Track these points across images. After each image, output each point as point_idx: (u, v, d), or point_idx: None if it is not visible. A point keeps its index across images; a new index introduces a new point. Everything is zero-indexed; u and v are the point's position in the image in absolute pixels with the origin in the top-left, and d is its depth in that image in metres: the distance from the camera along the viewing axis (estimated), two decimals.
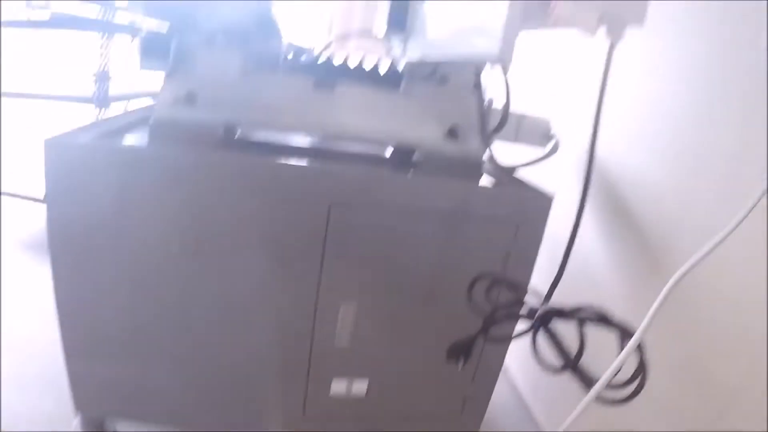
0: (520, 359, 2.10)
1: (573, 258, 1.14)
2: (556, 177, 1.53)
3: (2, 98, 2.97)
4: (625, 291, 1.49)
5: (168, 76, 1.26)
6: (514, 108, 1.43)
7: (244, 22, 1.15)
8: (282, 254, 1.28)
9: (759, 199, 0.80)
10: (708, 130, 1.23)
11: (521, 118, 1.47)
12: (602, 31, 0.93)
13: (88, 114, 2.82)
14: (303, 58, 1.40)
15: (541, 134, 1.48)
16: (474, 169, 1.38)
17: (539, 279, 1.37)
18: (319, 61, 1.40)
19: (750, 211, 0.81)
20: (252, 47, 1.28)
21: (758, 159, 1.06)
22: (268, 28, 1.24)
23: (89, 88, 2.82)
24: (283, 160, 1.27)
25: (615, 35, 0.95)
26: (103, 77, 2.71)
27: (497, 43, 0.84)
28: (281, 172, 1.23)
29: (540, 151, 1.47)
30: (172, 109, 1.25)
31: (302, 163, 1.28)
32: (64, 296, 1.26)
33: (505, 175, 1.53)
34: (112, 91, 2.82)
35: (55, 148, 1.16)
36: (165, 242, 1.23)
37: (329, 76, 1.36)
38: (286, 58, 1.39)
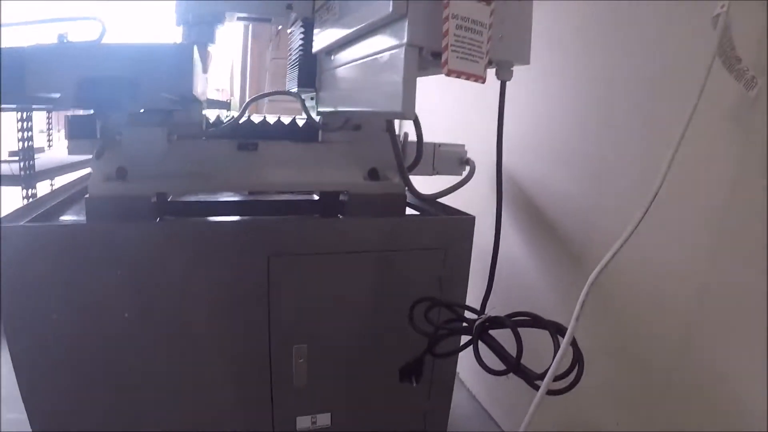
0: (472, 368, 2.17)
1: (503, 269, 1.24)
2: (475, 198, 1.62)
3: None
4: (552, 289, 1.60)
5: (97, 155, 1.30)
6: (427, 137, 1.52)
7: (165, 100, 1.20)
8: (230, 307, 1.34)
9: (655, 196, 0.89)
10: (608, 137, 1.35)
11: (436, 147, 1.56)
12: (492, 73, 1.04)
13: (15, 193, 2.80)
14: (224, 122, 1.46)
15: (456, 161, 1.57)
16: (398, 204, 1.47)
17: (476, 293, 1.46)
18: (240, 123, 1.47)
19: (647, 210, 0.90)
20: (174, 119, 1.34)
21: (655, 159, 1.16)
22: (188, 100, 1.29)
23: (11, 167, 2.80)
24: (218, 218, 1.33)
25: (504, 75, 1.06)
26: (27, 155, 2.69)
27: (399, 101, 0.93)
28: (217, 230, 1.31)
29: (457, 178, 1.55)
30: (104, 185, 1.29)
31: (236, 218, 1.34)
32: (23, 377, 1.28)
33: (428, 205, 1.63)
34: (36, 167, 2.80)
35: (7, 233, 1.19)
36: (116, 310, 1.27)
37: (251, 136, 1.43)
38: (208, 124, 1.44)
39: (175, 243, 1.28)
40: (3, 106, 1.13)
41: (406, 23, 0.92)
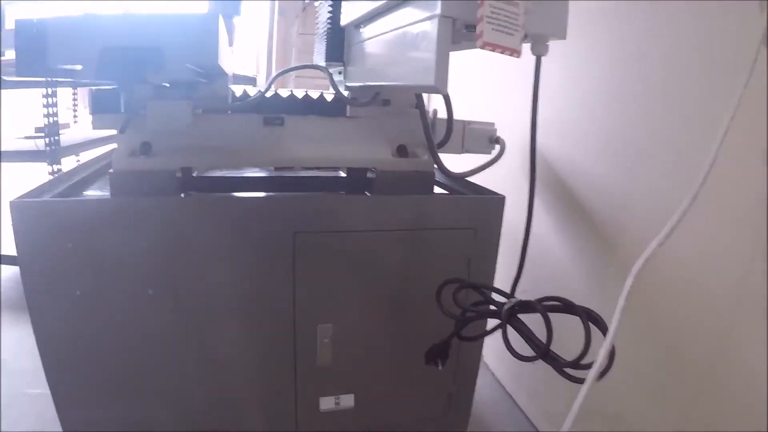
0: (497, 353, 2.15)
1: (533, 252, 1.21)
2: (506, 178, 1.59)
3: None
4: (582, 274, 1.57)
5: (121, 130, 1.28)
6: (457, 115, 1.48)
7: (190, 71, 1.18)
8: (254, 285, 1.32)
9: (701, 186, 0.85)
10: (644, 121, 1.31)
11: (466, 125, 1.52)
12: (527, 47, 1.00)
13: (41, 169, 2.82)
14: (251, 96, 1.44)
15: (486, 140, 1.54)
16: (426, 182, 1.43)
17: (504, 275, 1.43)
18: (266, 97, 1.44)
19: (693, 200, 0.86)
20: (199, 93, 1.32)
21: (694, 148, 1.13)
22: (213, 72, 1.27)
23: (37, 143, 2.81)
24: (243, 194, 1.32)
25: (540, 50, 1.03)
26: (52, 131, 2.69)
27: (432, 74, 0.90)
28: (243, 206, 1.29)
29: (487, 157, 1.52)
30: (128, 160, 1.27)
31: (262, 194, 1.32)
32: (47, 350, 1.28)
33: (457, 183, 1.59)
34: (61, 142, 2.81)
35: (21, 208, 1.18)
36: (140, 287, 1.26)
37: (278, 111, 1.40)
38: (234, 98, 1.42)
39: (201, 218, 1.26)
40: (25, 79, 1.11)
41: None
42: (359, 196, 1.40)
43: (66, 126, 3.54)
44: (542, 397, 1.85)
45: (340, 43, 1.47)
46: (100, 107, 1.31)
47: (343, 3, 1.37)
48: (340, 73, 1.50)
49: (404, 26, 1.03)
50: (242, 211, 1.28)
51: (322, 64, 1.50)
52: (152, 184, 1.27)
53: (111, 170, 1.27)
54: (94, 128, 1.34)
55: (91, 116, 1.32)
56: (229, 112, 1.39)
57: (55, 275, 1.22)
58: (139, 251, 1.24)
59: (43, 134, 2.73)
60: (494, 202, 1.41)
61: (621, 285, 0.85)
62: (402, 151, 1.43)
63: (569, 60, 1.52)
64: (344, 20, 1.37)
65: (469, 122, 1.53)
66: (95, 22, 1.10)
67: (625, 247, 1.38)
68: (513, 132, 1.54)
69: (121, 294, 1.26)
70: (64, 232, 1.20)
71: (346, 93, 1.46)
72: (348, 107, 1.45)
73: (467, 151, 1.54)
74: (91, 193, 1.47)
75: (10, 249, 2.90)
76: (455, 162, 1.46)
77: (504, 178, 1.57)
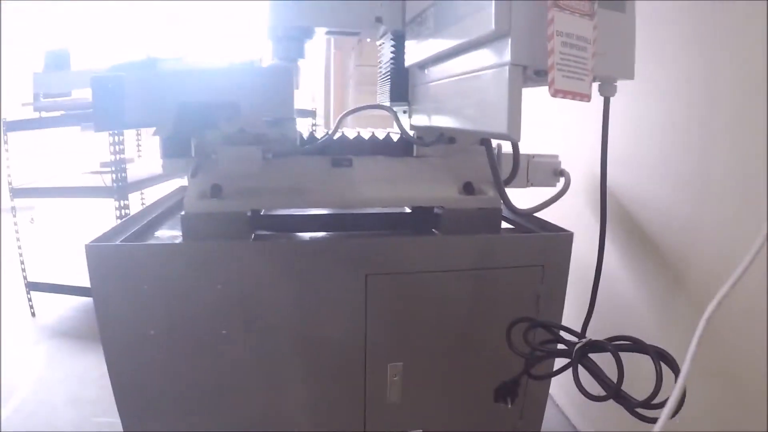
0: (563, 386, 2.12)
1: (600, 287, 1.20)
2: (571, 211, 1.58)
3: (14, 195, 3.06)
4: (650, 309, 1.54)
5: (193, 174, 1.32)
6: (521, 148, 1.48)
7: (265, 123, 1.20)
8: (326, 324, 1.34)
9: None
10: (709, 148, 1.29)
11: (530, 158, 1.52)
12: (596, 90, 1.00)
13: (107, 205, 2.90)
14: (317, 138, 1.46)
15: (551, 173, 1.53)
16: (493, 219, 1.44)
17: (570, 311, 1.43)
18: (334, 138, 1.47)
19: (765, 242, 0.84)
20: (269, 136, 1.34)
21: (761, 178, 1.11)
22: (284, 120, 1.30)
23: (103, 179, 2.88)
24: (315, 235, 1.35)
25: (608, 91, 1.03)
26: (118, 167, 2.75)
27: (504, 122, 0.91)
28: (315, 249, 1.31)
29: (551, 189, 1.52)
30: (199, 203, 1.31)
31: (334, 236, 1.34)
32: (119, 387, 1.31)
33: (524, 219, 1.59)
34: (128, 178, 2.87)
35: (97, 251, 1.22)
36: (212, 327, 1.29)
37: (345, 152, 1.43)
38: (302, 140, 1.44)
39: (272, 261, 1.28)
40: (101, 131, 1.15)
41: (509, 41, 0.90)
42: (429, 237, 1.41)
43: (131, 161, 3.62)
44: (607, 429, 1.82)
45: (404, 83, 1.49)
46: (171, 152, 1.34)
47: (406, 44, 1.39)
48: (405, 112, 1.52)
49: (473, 71, 1.04)
50: (314, 253, 1.30)
51: (387, 103, 1.51)
52: (223, 225, 1.31)
53: (182, 213, 1.30)
54: (164, 173, 1.37)
55: (161, 161, 1.35)
56: (299, 156, 1.41)
57: (129, 315, 1.26)
58: (212, 293, 1.26)
59: (109, 169, 2.79)
60: (562, 239, 1.40)
61: (690, 318, 0.84)
62: (468, 188, 1.43)
63: (633, 89, 1.51)
64: (408, 61, 1.38)
65: (533, 155, 1.53)
66: (172, 80, 1.13)
67: (691, 280, 1.36)
68: (576, 164, 1.54)
69: (193, 334, 1.29)
70: (138, 274, 1.23)
71: (411, 132, 1.48)
72: (414, 146, 1.47)
73: (532, 185, 1.53)
74: (163, 233, 1.51)
75: (76, 280, 2.99)
76: (518, 195, 1.46)
77: (568, 211, 1.57)
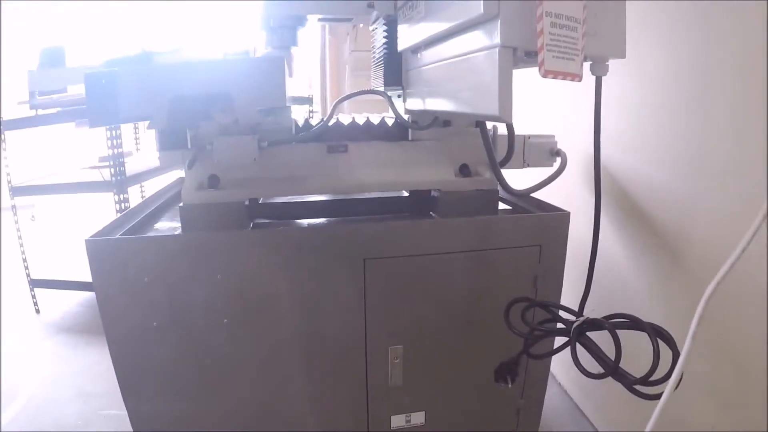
0: (563, 363, 2.12)
1: (597, 265, 1.21)
2: (567, 190, 1.58)
3: (14, 194, 3.07)
4: (647, 288, 1.55)
5: (189, 165, 1.32)
6: (517, 129, 1.48)
7: (258, 113, 1.21)
8: (326, 309, 1.35)
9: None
10: (704, 129, 1.29)
11: (526, 139, 1.52)
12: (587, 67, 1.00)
13: (106, 199, 2.91)
14: (312, 125, 1.46)
15: (547, 153, 1.53)
16: (490, 200, 1.45)
17: (568, 290, 1.43)
18: (330, 125, 1.47)
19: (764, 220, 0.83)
20: (264, 125, 1.34)
21: (754, 154, 1.12)
22: (279, 109, 1.30)
23: (102, 173, 2.89)
24: (313, 221, 1.36)
25: (600, 71, 1.03)
26: (117, 161, 2.76)
27: (495, 104, 0.91)
28: (313, 236, 1.31)
29: (548, 170, 1.51)
30: (197, 193, 1.32)
31: (332, 223, 1.34)
32: (124, 380, 1.33)
33: (521, 200, 1.60)
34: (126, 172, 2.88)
35: (97, 246, 1.23)
36: (214, 316, 1.30)
37: (340, 138, 1.43)
38: (297, 128, 1.44)
39: (270, 250, 1.30)
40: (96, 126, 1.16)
41: (499, 23, 0.90)
42: (426, 221, 1.41)
43: (129, 154, 3.62)
44: (609, 406, 1.83)
45: (397, 67, 1.48)
46: (167, 145, 1.35)
47: (398, 28, 1.39)
48: (399, 96, 1.52)
49: (463, 54, 1.04)
50: (313, 241, 1.31)
51: (381, 88, 1.52)
52: (221, 215, 1.32)
53: (181, 204, 1.31)
54: (161, 166, 1.38)
55: (158, 153, 1.36)
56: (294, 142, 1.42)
57: (131, 308, 1.27)
58: (212, 283, 1.28)
59: (107, 164, 2.79)
60: (560, 218, 1.41)
61: (688, 295, 0.83)
62: (465, 170, 1.44)
63: (627, 69, 1.51)
64: (401, 46, 1.38)
65: (529, 136, 1.53)
66: (162, 72, 1.13)
67: (691, 259, 1.36)
68: (571, 142, 1.54)
69: (195, 323, 1.30)
70: (138, 267, 1.25)
71: (406, 116, 1.48)
72: (410, 131, 1.47)
73: (528, 165, 1.53)
74: (162, 224, 1.52)
75: (79, 275, 3.01)
76: (515, 176, 1.47)
77: (564, 189, 1.57)
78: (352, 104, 3.55)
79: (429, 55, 1.27)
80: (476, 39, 0.98)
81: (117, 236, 1.29)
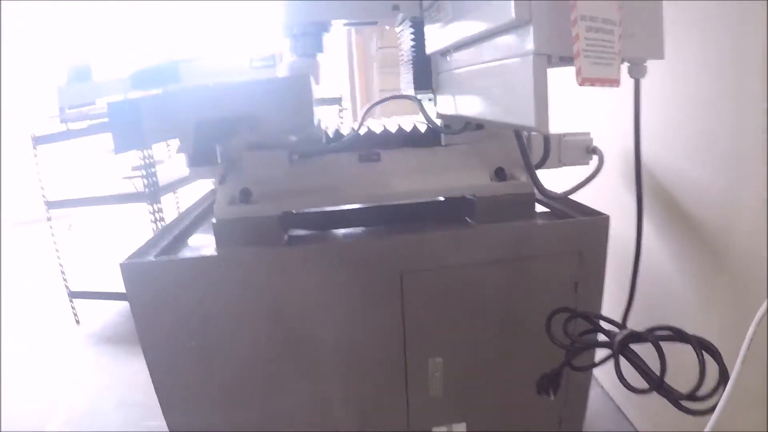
0: (607, 370, 2.08)
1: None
2: (605, 188, 1.53)
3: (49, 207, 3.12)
4: (693, 294, 1.49)
5: (221, 180, 1.31)
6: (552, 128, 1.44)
7: (286, 135, 1.20)
8: (364, 324, 1.34)
9: None
10: (745, 132, 1.24)
11: (561, 138, 1.48)
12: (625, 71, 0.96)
13: (141, 208, 2.93)
14: (344, 135, 1.44)
15: (583, 150, 1.48)
16: (527, 204, 1.40)
17: (609, 297, 1.39)
18: (361, 134, 1.45)
19: None
20: (295, 140, 1.33)
21: None
22: (308, 123, 1.28)
23: (135, 184, 2.91)
24: (348, 233, 1.36)
25: (638, 73, 0.99)
26: (149, 171, 2.77)
27: (531, 115, 0.88)
28: (350, 251, 1.30)
29: (584, 168, 1.48)
30: (230, 208, 1.30)
31: (367, 237, 1.33)
32: (164, 397, 1.34)
33: (558, 202, 1.55)
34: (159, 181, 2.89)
35: (132, 269, 1.23)
36: (252, 334, 1.30)
37: (372, 146, 1.41)
38: (328, 139, 1.43)
39: (307, 267, 1.28)
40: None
41: (531, 29, 0.86)
42: (462, 231, 1.36)
43: (161, 162, 3.64)
44: (652, 411, 1.78)
45: (426, 70, 1.45)
46: (198, 160, 1.32)
47: (426, 29, 1.36)
48: (430, 100, 1.49)
49: (496, 60, 1.01)
50: (349, 256, 1.29)
51: (411, 92, 1.48)
52: (255, 229, 1.30)
53: (214, 220, 1.30)
54: (192, 180, 1.37)
55: (188, 169, 1.34)
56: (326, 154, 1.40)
57: (169, 329, 1.27)
58: (249, 301, 1.27)
59: (140, 173, 2.81)
60: (599, 222, 1.37)
61: (731, 301, 0.80)
62: (500, 174, 1.40)
63: (664, 65, 1.46)
64: (429, 48, 1.34)
65: (564, 134, 1.48)
66: (188, 98, 1.12)
67: (733, 262, 1.31)
68: (609, 140, 1.49)
69: (232, 342, 1.30)
70: (173, 288, 1.25)
71: (438, 121, 1.45)
72: (442, 135, 1.44)
73: (564, 165, 1.49)
74: (197, 239, 1.51)
75: (117, 286, 3.03)
76: (551, 175, 1.43)
77: (603, 189, 1.52)
78: (382, 105, 3.53)
79: (459, 58, 1.23)
80: (508, 44, 0.95)
81: (151, 259, 1.28)
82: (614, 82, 0.88)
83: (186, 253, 1.37)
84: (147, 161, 2.78)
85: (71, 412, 2.28)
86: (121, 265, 1.22)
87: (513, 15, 0.86)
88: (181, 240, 1.51)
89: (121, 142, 1.11)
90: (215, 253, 1.29)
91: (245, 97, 1.14)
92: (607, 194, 1.50)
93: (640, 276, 1.18)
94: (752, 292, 1.21)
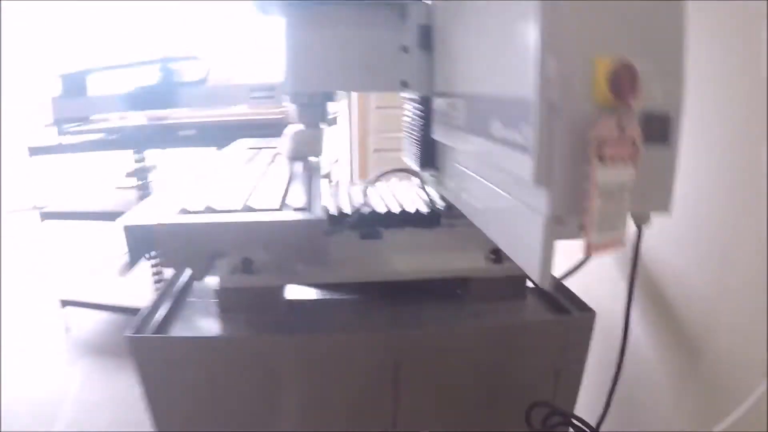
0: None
1: None
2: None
3: (46, 219, 3.13)
4: (668, 391, 1.56)
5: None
6: None
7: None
8: (357, 408, 1.40)
9: None
10: (734, 222, 1.28)
11: None
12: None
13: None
14: (348, 215, 1.48)
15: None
16: (519, 285, 1.47)
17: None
18: (364, 213, 1.50)
19: None
20: None
21: None
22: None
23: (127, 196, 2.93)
24: (343, 324, 1.40)
25: (642, 221, 1.00)
26: (144, 192, 2.79)
27: (536, 271, 0.91)
28: (348, 344, 1.35)
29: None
30: (232, 277, 1.35)
31: (361, 330, 1.38)
32: None
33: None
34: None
35: (138, 343, 1.28)
36: (253, 413, 1.35)
37: (375, 226, 1.47)
38: (331, 218, 1.47)
39: (300, 356, 1.34)
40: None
41: (546, 194, 0.86)
42: (457, 327, 1.41)
43: (154, 167, 3.64)
44: None
45: (431, 149, 1.47)
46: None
47: (434, 113, 1.38)
48: (432, 176, 1.52)
49: (506, 193, 1.02)
50: (347, 348, 1.35)
51: (416, 168, 1.53)
52: (257, 298, 1.36)
53: (216, 288, 1.36)
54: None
55: None
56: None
57: (179, 401, 1.33)
58: (252, 382, 1.33)
59: (133, 185, 2.83)
60: (584, 320, 1.42)
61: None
62: (496, 254, 1.45)
63: None
64: (436, 136, 1.38)
65: None
66: (197, 230, 1.14)
67: (711, 360, 1.36)
68: None
69: (238, 418, 1.35)
70: (181, 364, 1.31)
71: (441, 203, 1.49)
72: (442, 218, 1.51)
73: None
74: (200, 292, 1.54)
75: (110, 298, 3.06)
76: None
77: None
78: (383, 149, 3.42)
79: (467, 161, 1.25)
80: (520, 190, 0.95)
81: (157, 335, 1.31)
82: (621, 245, 0.88)
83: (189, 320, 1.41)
84: (141, 165, 2.80)
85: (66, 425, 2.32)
86: (128, 339, 1.26)
87: (530, 177, 0.85)
88: (186, 291, 1.56)
89: (135, 260, 1.17)
90: (221, 334, 1.34)
91: (260, 235, 1.18)
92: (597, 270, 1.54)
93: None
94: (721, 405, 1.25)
